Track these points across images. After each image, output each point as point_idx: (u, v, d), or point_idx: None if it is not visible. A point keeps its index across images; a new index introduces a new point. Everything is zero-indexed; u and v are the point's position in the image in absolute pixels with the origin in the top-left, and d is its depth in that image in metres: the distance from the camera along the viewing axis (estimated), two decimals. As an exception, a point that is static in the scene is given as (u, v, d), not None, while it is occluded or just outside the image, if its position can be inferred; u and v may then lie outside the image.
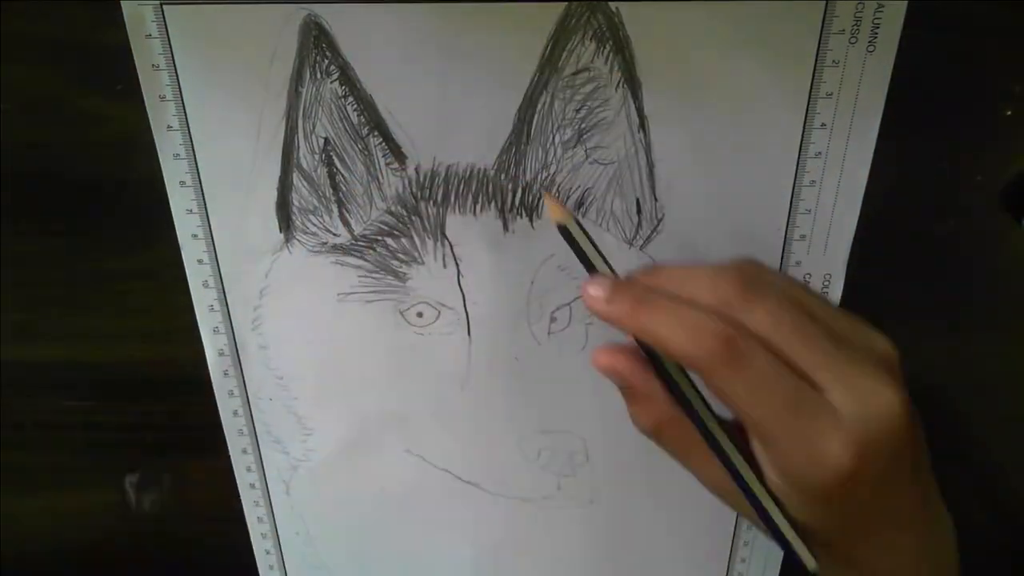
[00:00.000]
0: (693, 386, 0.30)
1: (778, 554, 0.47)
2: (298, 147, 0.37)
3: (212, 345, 0.42)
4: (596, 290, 0.29)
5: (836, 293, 0.39)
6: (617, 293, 0.29)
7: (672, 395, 0.30)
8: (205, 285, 0.40)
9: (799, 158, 0.36)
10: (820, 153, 0.36)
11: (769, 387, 0.26)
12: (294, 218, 0.39)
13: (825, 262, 0.38)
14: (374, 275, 0.39)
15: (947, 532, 0.33)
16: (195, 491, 0.47)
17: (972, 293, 0.40)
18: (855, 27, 0.33)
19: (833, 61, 0.34)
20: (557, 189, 0.37)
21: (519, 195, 0.37)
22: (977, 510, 0.47)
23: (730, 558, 0.47)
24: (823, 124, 0.35)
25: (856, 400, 0.26)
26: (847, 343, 0.28)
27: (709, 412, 0.30)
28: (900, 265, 0.40)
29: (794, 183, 0.36)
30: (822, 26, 0.33)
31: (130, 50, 0.34)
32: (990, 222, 0.38)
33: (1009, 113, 0.35)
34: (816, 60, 0.34)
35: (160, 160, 0.37)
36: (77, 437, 0.46)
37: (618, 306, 0.29)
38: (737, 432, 0.29)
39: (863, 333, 0.29)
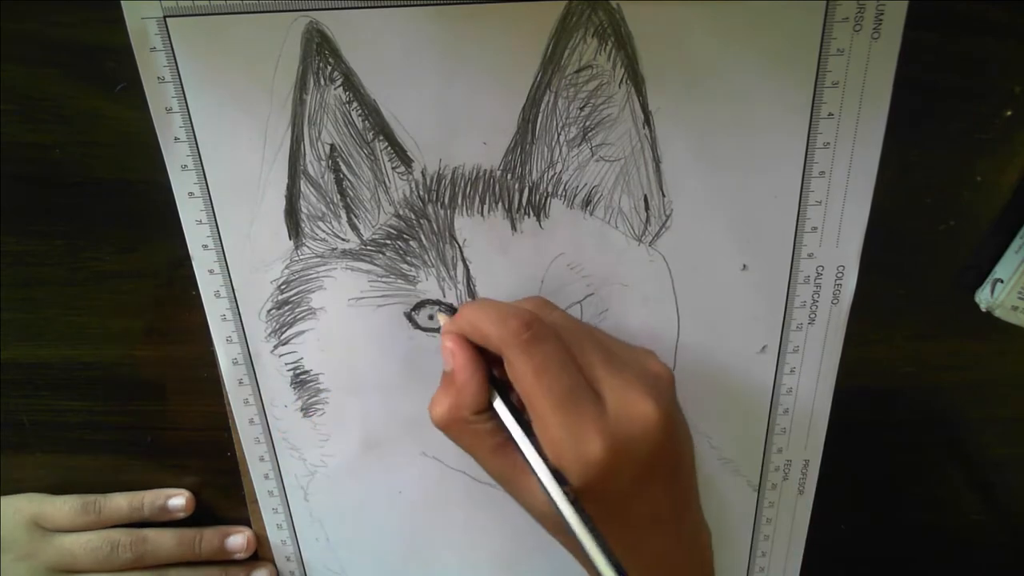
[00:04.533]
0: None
1: (799, 549, 0.47)
2: (304, 154, 0.37)
3: (226, 355, 0.42)
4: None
5: (850, 285, 0.39)
6: (459, 310, 0.37)
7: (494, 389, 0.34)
8: (217, 295, 0.40)
9: (807, 148, 0.35)
10: (828, 143, 0.35)
11: (554, 370, 0.32)
12: (303, 225, 0.39)
13: (838, 254, 0.38)
14: (384, 279, 0.40)
15: (702, 541, 0.37)
16: (195, 491, 0.47)
17: (972, 293, 0.40)
18: (859, 15, 0.33)
19: (838, 50, 0.33)
20: (564, 188, 0.37)
21: (526, 195, 0.37)
22: (977, 510, 0.47)
23: (750, 553, 0.47)
24: (830, 113, 0.35)
25: (620, 405, 0.31)
26: (623, 361, 0.34)
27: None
28: (899, 265, 0.39)
29: (803, 174, 0.36)
30: (825, 15, 0.33)
31: (130, 50, 0.34)
32: (990, 222, 0.38)
33: (1009, 114, 0.35)
34: (820, 49, 0.33)
35: (168, 172, 0.37)
36: (77, 437, 0.46)
37: (457, 315, 0.35)
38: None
39: (641, 356, 0.35)
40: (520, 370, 0.32)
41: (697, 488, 0.37)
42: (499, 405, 0.34)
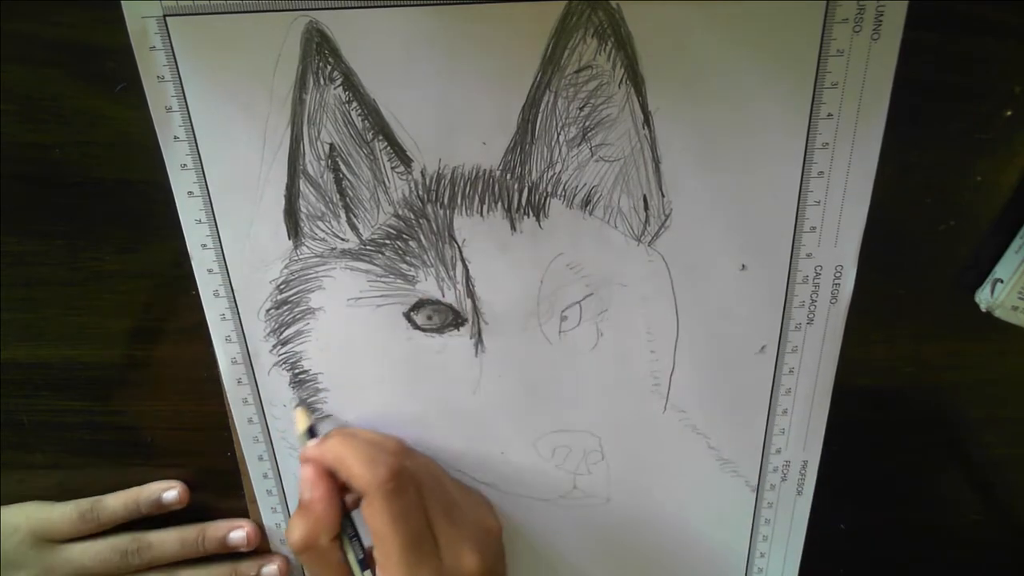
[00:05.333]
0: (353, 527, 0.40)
1: (797, 550, 0.47)
2: (304, 154, 0.37)
3: (225, 354, 0.42)
4: (312, 442, 0.40)
5: (848, 285, 0.39)
6: (325, 439, 0.40)
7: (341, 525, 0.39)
8: (216, 295, 0.40)
9: (806, 148, 0.35)
10: (827, 144, 0.35)
11: (407, 520, 0.36)
12: (302, 224, 0.39)
13: (836, 254, 0.38)
14: (383, 279, 0.40)
15: None
16: (196, 492, 0.47)
17: (972, 293, 0.40)
18: (859, 16, 0.33)
19: (837, 51, 0.33)
20: (563, 188, 0.37)
21: (525, 195, 0.37)
22: (977, 510, 0.47)
23: (749, 554, 0.47)
24: (829, 114, 0.35)
25: (453, 557, 0.37)
26: (462, 513, 0.40)
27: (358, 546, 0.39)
28: (899, 265, 0.39)
29: (802, 174, 0.36)
30: (825, 15, 0.33)
31: (131, 50, 0.34)
32: (990, 222, 0.38)
33: (1009, 114, 0.35)
34: (820, 50, 0.33)
35: (168, 171, 0.37)
36: (77, 437, 0.46)
37: (323, 445, 0.39)
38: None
39: (476, 508, 0.42)
40: (378, 514, 0.36)
41: None
42: (348, 544, 0.39)
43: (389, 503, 0.36)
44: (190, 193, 0.38)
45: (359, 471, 0.37)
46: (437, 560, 0.37)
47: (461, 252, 0.39)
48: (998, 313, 0.39)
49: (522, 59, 0.34)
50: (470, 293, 0.39)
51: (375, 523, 0.36)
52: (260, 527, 0.47)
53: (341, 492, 0.39)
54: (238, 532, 0.47)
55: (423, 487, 0.38)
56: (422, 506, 0.38)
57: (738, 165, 0.36)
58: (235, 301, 0.40)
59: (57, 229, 0.40)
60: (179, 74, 0.35)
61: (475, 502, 0.42)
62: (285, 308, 0.41)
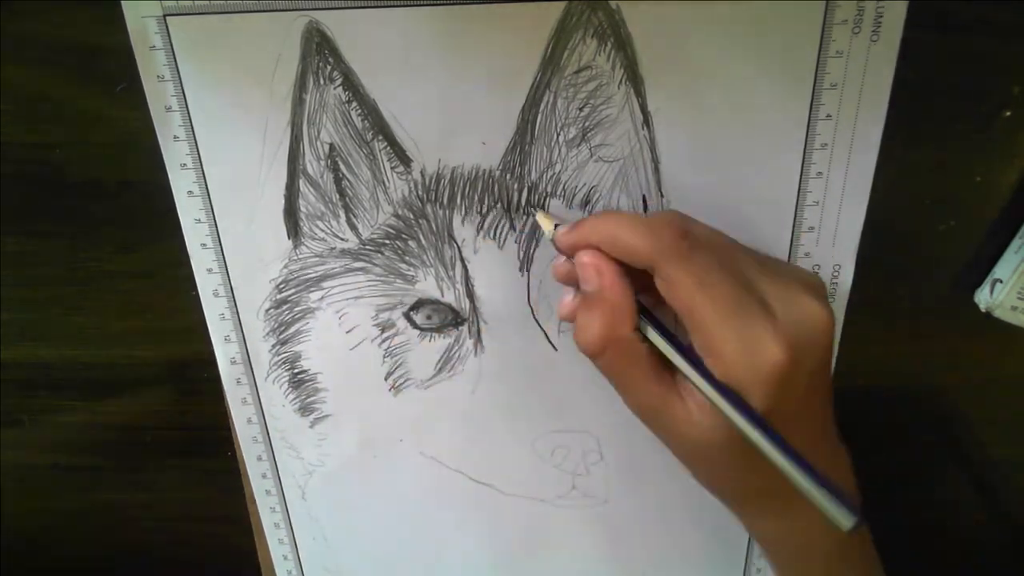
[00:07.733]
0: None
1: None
2: (303, 153, 0.37)
3: (224, 354, 0.42)
4: (562, 228, 0.33)
5: (846, 284, 0.39)
6: (580, 221, 0.32)
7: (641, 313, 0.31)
8: (215, 294, 0.40)
9: (805, 149, 0.35)
10: (826, 144, 0.35)
11: (714, 281, 0.29)
12: (302, 224, 0.39)
13: (834, 253, 0.38)
14: (383, 279, 0.40)
15: (847, 464, 0.35)
16: (195, 491, 0.47)
17: (972, 293, 0.40)
18: (858, 17, 0.32)
19: (837, 52, 0.33)
20: (563, 188, 0.37)
21: (525, 195, 0.37)
22: (977, 510, 0.47)
23: (747, 556, 0.47)
24: (828, 115, 0.35)
25: (790, 307, 0.30)
26: (777, 268, 0.32)
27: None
28: (899, 265, 0.39)
29: (801, 175, 0.36)
30: (824, 17, 0.33)
31: (131, 50, 0.34)
32: (989, 223, 0.38)
33: (1008, 114, 0.35)
34: (819, 51, 0.33)
35: (167, 170, 0.37)
36: (77, 437, 0.46)
37: (581, 226, 0.32)
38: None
39: (791, 266, 0.35)
40: (680, 282, 0.29)
41: None
42: (652, 324, 0.31)
43: (687, 264, 0.29)
44: (190, 193, 0.38)
45: (639, 241, 0.30)
46: (770, 317, 0.29)
47: (460, 252, 0.39)
48: (998, 313, 0.39)
49: (522, 59, 0.34)
50: (469, 293, 0.39)
51: (678, 295, 0.29)
52: (258, 532, 0.47)
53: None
54: None
55: (720, 248, 0.31)
56: (728, 263, 0.30)
57: (737, 165, 0.36)
58: (234, 301, 0.41)
59: (57, 229, 0.40)
60: (179, 74, 0.35)
61: (784, 261, 0.35)
62: (284, 308, 0.41)
